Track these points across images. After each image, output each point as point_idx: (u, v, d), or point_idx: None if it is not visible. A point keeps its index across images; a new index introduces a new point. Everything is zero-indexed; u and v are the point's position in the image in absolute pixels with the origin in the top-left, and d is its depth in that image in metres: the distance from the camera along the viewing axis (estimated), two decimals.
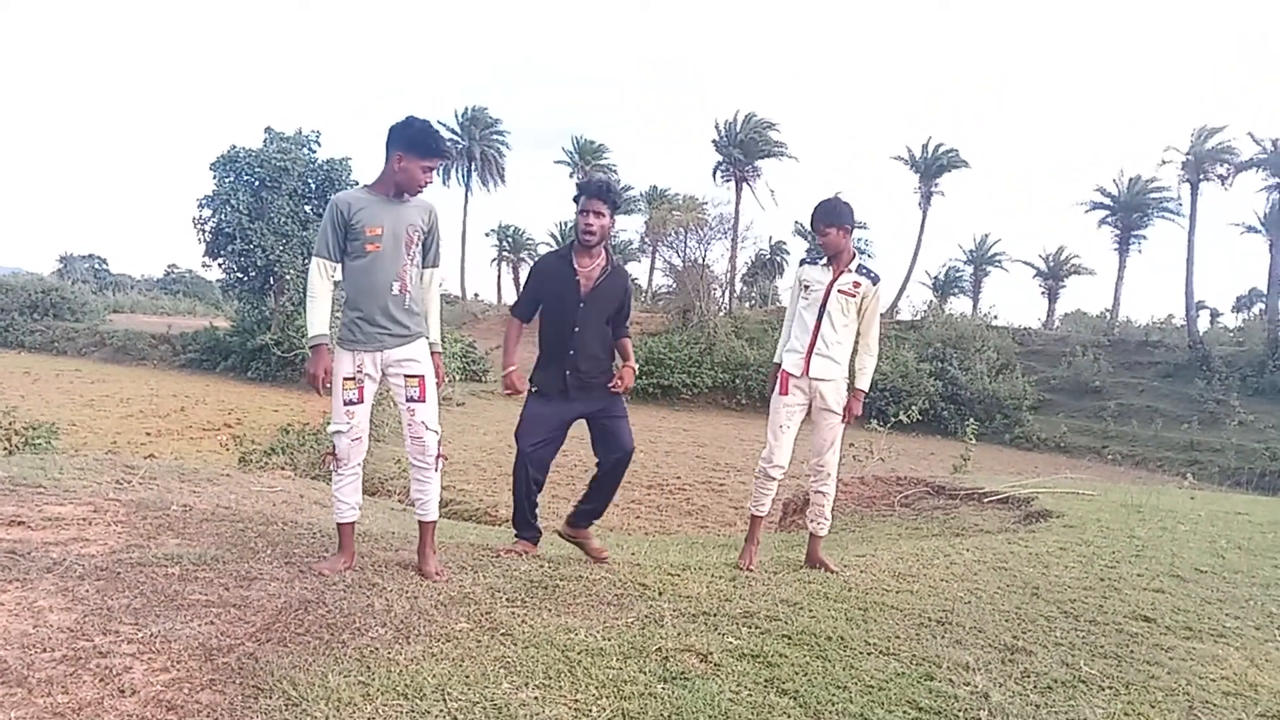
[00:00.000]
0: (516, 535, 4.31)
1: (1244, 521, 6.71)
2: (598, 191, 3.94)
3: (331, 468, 3.57)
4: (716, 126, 44.99)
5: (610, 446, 4.13)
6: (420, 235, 3.58)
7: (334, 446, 3.57)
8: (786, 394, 4.24)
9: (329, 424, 3.63)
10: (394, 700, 2.32)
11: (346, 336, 3.54)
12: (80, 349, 40.52)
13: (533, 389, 4.13)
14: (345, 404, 3.52)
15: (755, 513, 4.45)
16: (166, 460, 7.09)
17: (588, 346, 4.02)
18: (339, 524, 3.64)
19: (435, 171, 3.55)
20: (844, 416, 4.26)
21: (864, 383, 4.29)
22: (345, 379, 3.53)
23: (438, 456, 3.66)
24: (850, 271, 4.21)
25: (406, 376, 3.57)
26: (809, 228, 4.36)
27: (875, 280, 4.25)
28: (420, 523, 3.71)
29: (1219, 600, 4.15)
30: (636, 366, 4.32)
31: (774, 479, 4.31)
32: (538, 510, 4.27)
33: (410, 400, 3.58)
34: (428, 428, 3.59)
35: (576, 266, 4.00)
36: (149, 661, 2.43)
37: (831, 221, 4.17)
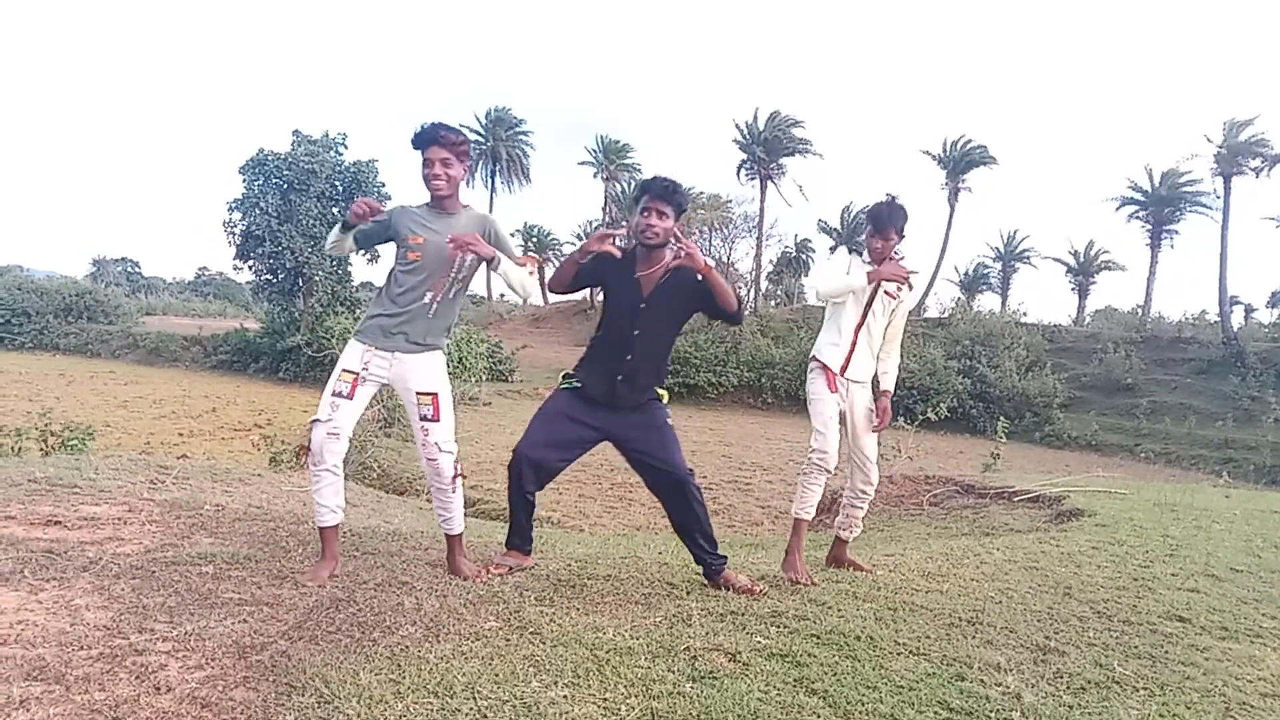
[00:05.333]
0: (506, 546, 3.89)
1: None
2: (662, 192, 3.59)
3: (304, 463, 3.41)
4: (737, 125, 44.93)
5: (654, 471, 3.69)
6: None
7: (310, 438, 3.38)
8: (835, 391, 4.02)
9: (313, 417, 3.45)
10: (424, 698, 2.34)
11: (363, 330, 3.48)
12: (114, 351, 41.10)
13: (570, 382, 3.74)
14: (333, 394, 3.38)
15: (802, 515, 4.03)
16: (199, 460, 7.18)
17: (647, 355, 3.67)
18: (320, 528, 3.45)
19: (445, 163, 3.39)
20: (878, 421, 4.15)
21: (890, 384, 4.21)
22: (345, 370, 3.41)
23: (455, 477, 3.56)
24: None
25: (419, 394, 3.46)
26: (869, 228, 4.05)
27: (911, 286, 4.15)
28: (447, 536, 3.68)
29: (1255, 600, 4.08)
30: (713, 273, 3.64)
31: (828, 471, 3.98)
32: (534, 518, 3.92)
33: (424, 420, 3.47)
34: (441, 449, 3.48)
35: (638, 269, 3.67)
36: (184, 659, 2.46)
37: (899, 228, 4.01)
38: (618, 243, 3.60)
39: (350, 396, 3.40)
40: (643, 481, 3.79)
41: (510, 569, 3.74)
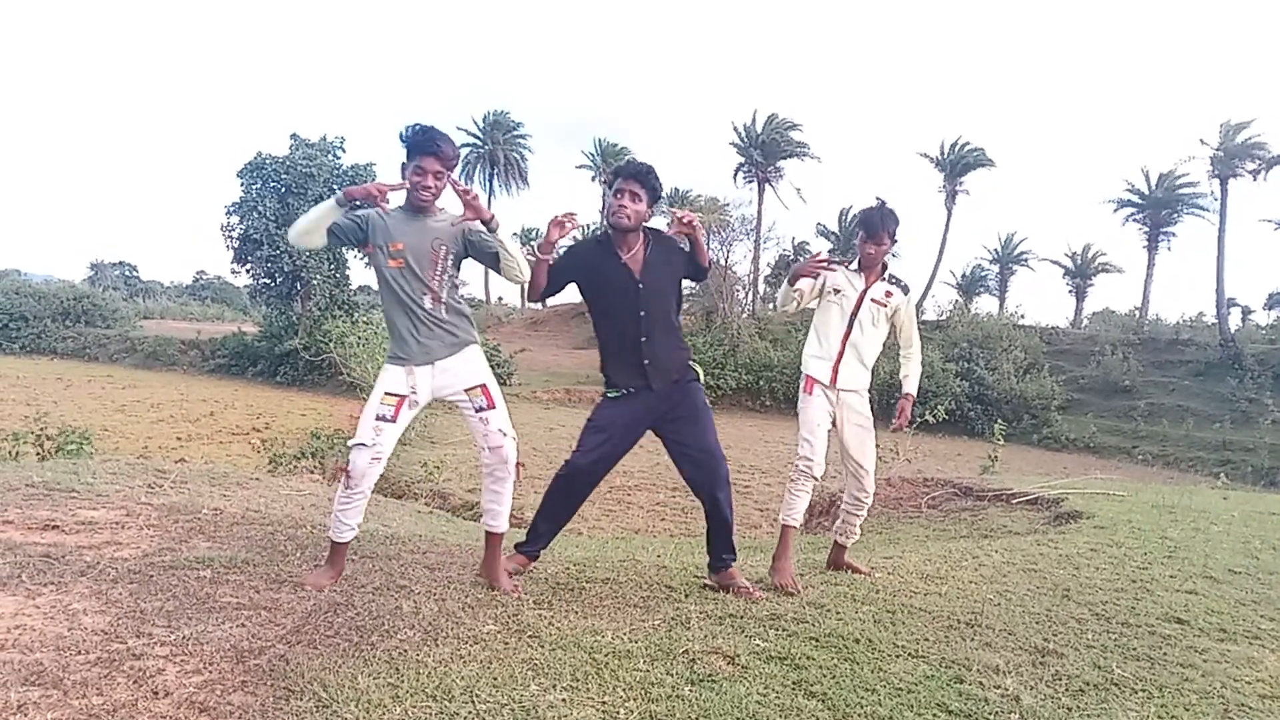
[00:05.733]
0: (517, 548, 3.86)
1: (1278, 522, 6.60)
2: (635, 173, 3.58)
3: (341, 484, 3.31)
4: (735, 129, 44.97)
5: (690, 453, 3.71)
6: (450, 250, 3.41)
7: (349, 462, 3.32)
8: (812, 394, 4.03)
9: (351, 438, 3.39)
10: (423, 702, 2.34)
11: (397, 354, 3.42)
12: (111, 355, 41.03)
13: (609, 393, 3.75)
14: (377, 418, 3.31)
15: (789, 522, 4.04)
16: (197, 464, 7.18)
17: (661, 330, 3.66)
18: (334, 542, 3.42)
19: (438, 176, 3.33)
20: (897, 422, 4.19)
21: (911, 387, 4.23)
22: (387, 393, 3.35)
23: (518, 464, 3.51)
24: (883, 280, 4.09)
25: (468, 390, 3.45)
26: (860, 234, 4.06)
27: (906, 289, 4.17)
28: (489, 534, 3.60)
29: (1254, 601, 4.08)
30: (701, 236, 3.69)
31: (815, 478, 4.01)
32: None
33: (480, 411, 3.45)
34: (505, 434, 3.45)
35: (621, 253, 3.64)
36: (182, 663, 2.45)
37: (891, 232, 4.01)
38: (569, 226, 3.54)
39: (394, 420, 3.36)
40: (677, 468, 3.79)
41: (512, 573, 3.72)
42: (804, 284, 4.06)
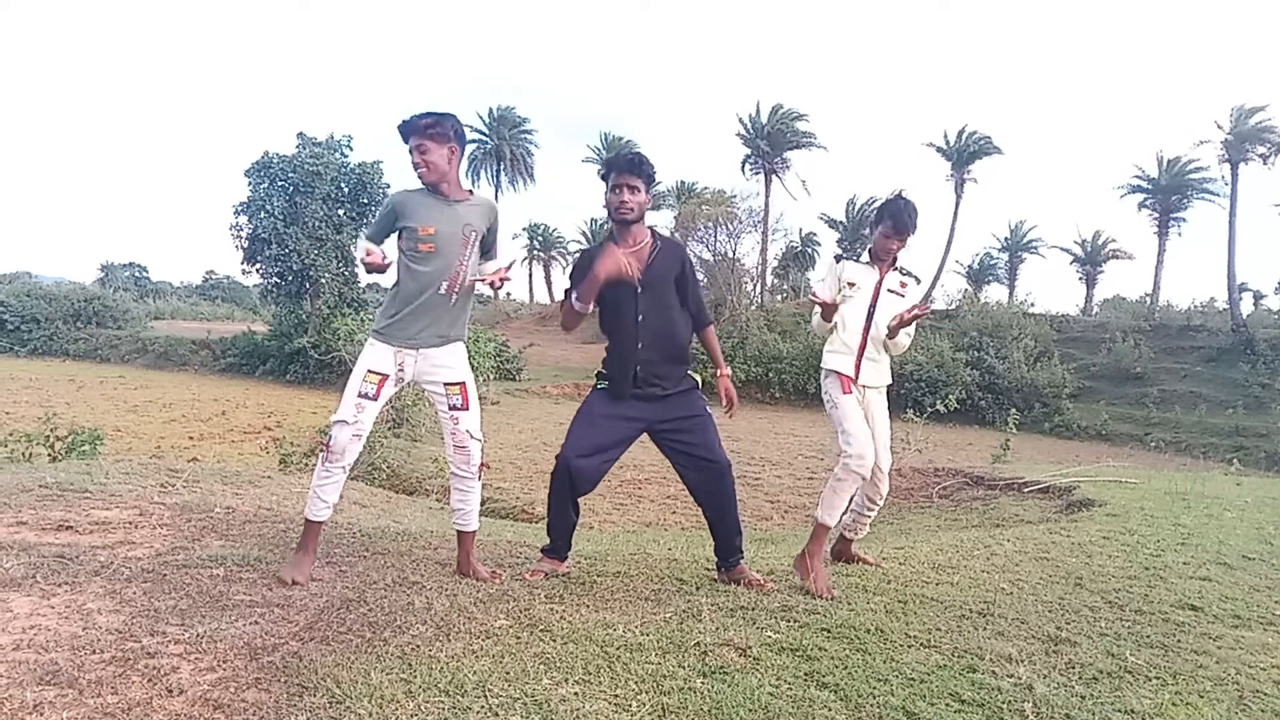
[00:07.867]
0: (543, 552, 3.84)
1: None
2: (628, 165, 3.55)
3: (321, 459, 3.35)
4: (740, 119, 44.81)
5: (694, 461, 3.65)
6: (477, 236, 3.46)
7: (330, 437, 3.35)
8: (850, 392, 3.89)
9: (333, 414, 3.41)
10: (435, 697, 2.34)
11: (386, 330, 3.42)
12: (123, 356, 41.18)
13: (599, 384, 3.73)
14: (359, 395, 3.35)
15: (825, 520, 3.81)
16: (209, 463, 7.22)
17: (659, 338, 3.60)
18: (309, 520, 3.41)
19: (426, 152, 3.34)
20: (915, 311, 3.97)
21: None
22: (370, 370, 3.38)
23: (481, 465, 3.56)
24: (895, 270, 4.01)
25: (446, 384, 3.47)
26: (886, 226, 3.91)
27: (918, 280, 4.11)
28: (460, 533, 3.63)
29: (1268, 587, 4.07)
30: (730, 372, 3.91)
31: (863, 478, 3.79)
32: (576, 526, 3.83)
33: (454, 408, 3.47)
34: (472, 436, 3.49)
35: (623, 250, 3.58)
36: (196, 661, 2.47)
37: (913, 230, 3.90)
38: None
39: (375, 398, 3.39)
40: (678, 472, 3.75)
41: (545, 575, 3.68)
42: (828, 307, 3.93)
